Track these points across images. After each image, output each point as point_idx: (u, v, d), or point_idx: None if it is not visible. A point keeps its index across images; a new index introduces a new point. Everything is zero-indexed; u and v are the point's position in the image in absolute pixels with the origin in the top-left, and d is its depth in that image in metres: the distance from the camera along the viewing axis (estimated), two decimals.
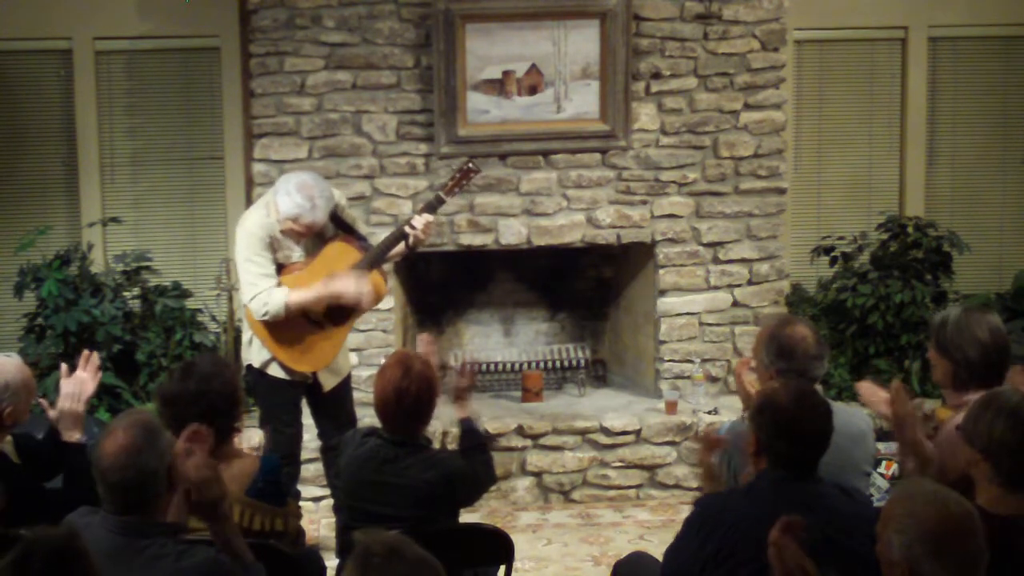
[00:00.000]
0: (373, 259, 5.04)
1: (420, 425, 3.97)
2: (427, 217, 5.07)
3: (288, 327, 5.01)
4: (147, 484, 3.04)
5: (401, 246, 5.12)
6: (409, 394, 3.86)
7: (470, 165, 5.23)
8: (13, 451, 4.02)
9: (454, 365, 6.57)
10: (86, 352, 4.14)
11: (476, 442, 4.19)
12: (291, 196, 4.90)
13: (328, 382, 5.22)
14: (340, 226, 5.14)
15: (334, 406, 5.27)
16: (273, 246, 5.00)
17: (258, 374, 5.17)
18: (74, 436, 3.95)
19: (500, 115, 6.25)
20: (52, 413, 4.01)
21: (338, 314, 5.08)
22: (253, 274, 4.97)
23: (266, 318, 4.96)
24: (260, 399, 5.28)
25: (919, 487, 2.85)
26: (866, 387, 4.05)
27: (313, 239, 5.09)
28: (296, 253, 5.06)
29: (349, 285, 4.92)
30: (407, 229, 5.05)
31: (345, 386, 5.34)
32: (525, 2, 6.17)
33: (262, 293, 4.94)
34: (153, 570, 2.98)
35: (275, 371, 5.13)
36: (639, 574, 4.01)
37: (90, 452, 3.26)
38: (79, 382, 4.01)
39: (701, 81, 6.40)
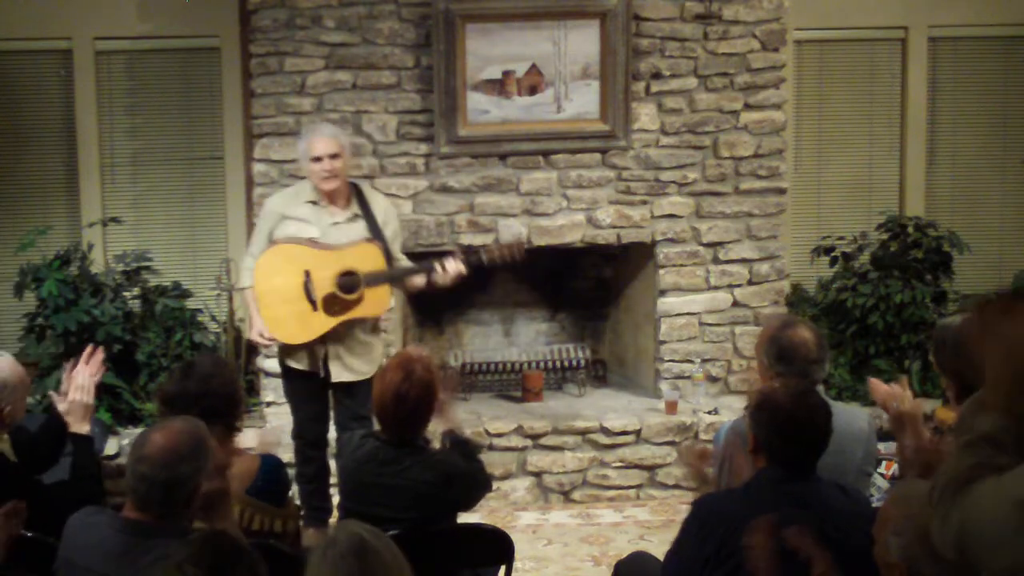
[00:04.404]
0: (388, 276, 5.18)
1: (419, 428, 3.96)
2: (460, 267, 5.15)
3: (283, 296, 5.16)
4: (175, 490, 3.06)
5: (422, 279, 5.23)
6: (409, 399, 3.86)
7: (522, 251, 5.34)
8: (10, 449, 4.02)
9: (454, 365, 6.59)
10: (91, 347, 4.14)
11: (466, 451, 4.18)
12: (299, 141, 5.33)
13: (338, 374, 5.27)
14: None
15: (353, 400, 5.31)
16: (284, 220, 5.24)
17: (280, 363, 5.44)
18: (83, 428, 3.93)
19: (500, 115, 6.25)
20: (62, 405, 3.99)
21: (335, 307, 5.15)
22: (251, 244, 5.40)
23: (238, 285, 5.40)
24: (283, 384, 5.56)
25: (915, 488, 2.84)
26: (875, 383, 4.04)
27: (334, 214, 5.21)
28: (312, 227, 5.19)
29: (257, 325, 5.21)
30: (436, 266, 5.14)
31: (366, 385, 5.35)
32: (525, 2, 6.17)
33: (245, 261, 5.36)
34: (159, 570, 2.98)
35: (287, 361, 5.34)
36: (640, 574, 4.01)
37: (133, 441, 3.25)
38: (90, 373, 3.99)
39: (701, 81, 6.40)
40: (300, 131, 5.86)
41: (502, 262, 5.32)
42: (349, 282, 5.11)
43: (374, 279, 5.11)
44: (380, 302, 5.20)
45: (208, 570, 2.53)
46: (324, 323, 5.14)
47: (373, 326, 5.34)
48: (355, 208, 5.23)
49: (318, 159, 5.12)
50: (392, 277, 5.19)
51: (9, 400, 3.89)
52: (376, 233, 5.19)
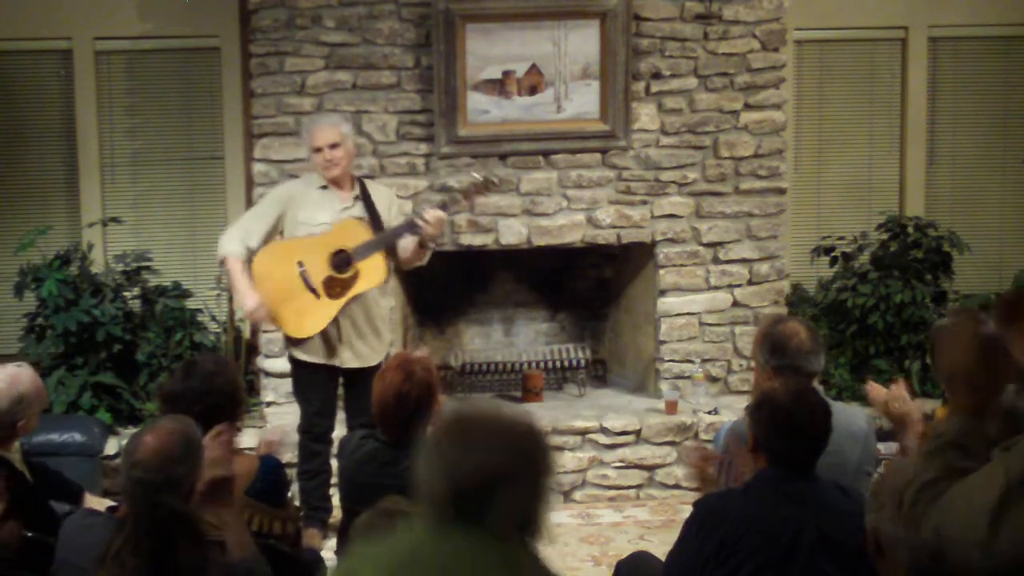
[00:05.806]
0: (377, 243, 5.26)
1: (419, 428, 3.96)
2: (437, 212, 5.26)
3: (285, 294, 5.24)
4: (170, 490, 3.05)
5: (414, 243, 5.29)
6: (410, 399, 3.86)
7: (493, 179, 5.49)
8: (19, 459, 4.01)
9: (454, 365, 6.59)
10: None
11: None
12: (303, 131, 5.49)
13: (348, 360, 5.37)
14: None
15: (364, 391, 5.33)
16: (295, 203, 5.31)
17: (289, 357, 5.50)
18: None
19: (500, 115, 6.25)
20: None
21: (335, 288, 5.25)
22: (242, 219, 5.51)
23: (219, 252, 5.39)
24: (292, 377, 5.58)
25: (893, 466, 2.86)
26: (873, 387, 4.04)
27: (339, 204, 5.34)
28: (324, 211, 5.31)
29: (248, 302, 5.24)
30: (416, 220, 5.24)
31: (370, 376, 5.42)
32: (525, 2, 6.17)
33: (228, 232, 5.40)
34: (100, 565, 2.98)
35: (297, 353, 5.40)
36: (640, 574, 4.00)
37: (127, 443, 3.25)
38: None
39: (701, 81, 6.40)
40: (300, 130, 5.90)
41: (478, 195, 5.53)
42: (341, 259, 5.24)
43: (364, 250, 5.23)
44: (377, 272, 5.30)
45: (149, 556, 2.47)
46: (331, 307, 5.25)
47: (381, 313, 5.45)
48: (356, 191, 5.40)
49: (319, 149, 5.31)
50: (380, 242, 5.27)
51: (25, 414, 3.89)
52: (375, 218, 5.32)
